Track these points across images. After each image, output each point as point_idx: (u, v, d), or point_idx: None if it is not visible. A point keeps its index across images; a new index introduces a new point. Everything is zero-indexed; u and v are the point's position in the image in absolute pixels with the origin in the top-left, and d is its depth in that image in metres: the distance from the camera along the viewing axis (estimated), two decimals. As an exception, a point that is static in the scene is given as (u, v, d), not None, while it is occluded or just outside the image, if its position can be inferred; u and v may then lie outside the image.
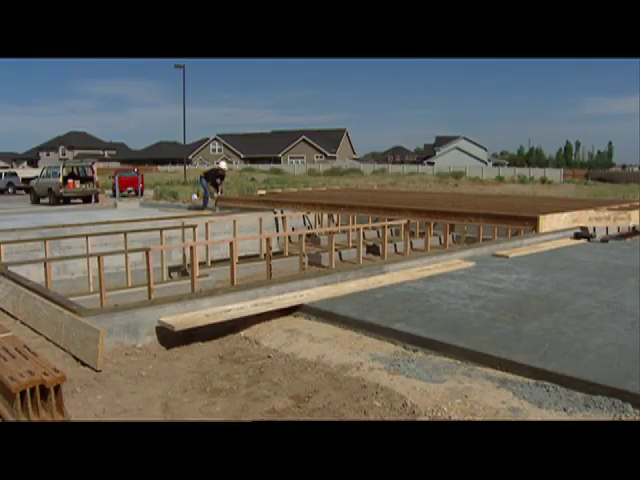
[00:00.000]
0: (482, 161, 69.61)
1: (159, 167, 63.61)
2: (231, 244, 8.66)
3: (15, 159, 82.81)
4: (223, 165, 16.29)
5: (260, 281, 7.01)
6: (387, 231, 11.09)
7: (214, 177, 15.74)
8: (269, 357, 4.35)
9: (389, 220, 11.55)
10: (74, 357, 4.36)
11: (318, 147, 73.26)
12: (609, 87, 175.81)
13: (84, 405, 3.57)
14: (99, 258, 7.48)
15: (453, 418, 3.23)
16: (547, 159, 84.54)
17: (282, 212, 13.64)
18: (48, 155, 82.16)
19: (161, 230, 10.55)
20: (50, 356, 4.29)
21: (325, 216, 14.73)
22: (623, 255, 8.05)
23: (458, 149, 72.40)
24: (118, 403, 3.62)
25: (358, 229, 10.94)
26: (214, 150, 77.15)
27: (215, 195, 15.65)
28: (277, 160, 69.79)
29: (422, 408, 3.35)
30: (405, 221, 11.37)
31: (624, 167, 72.93)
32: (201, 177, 16.12)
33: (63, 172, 23.43)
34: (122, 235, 10.27)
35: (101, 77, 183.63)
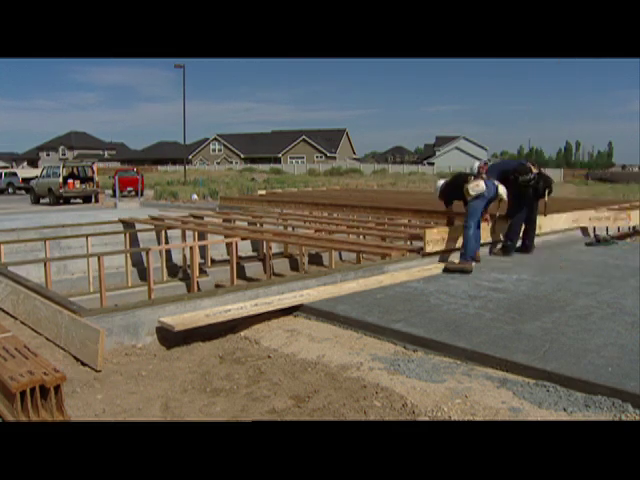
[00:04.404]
0: (482, 161, 69.45)
1: (159, 167, 63.62)
2: (231, 244, 8.66)
3: (15, 159, 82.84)
4: None
5: (260, 281, 7.01)
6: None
7: None
8: (269, 357, 4.35)
9: (389, 220, 11.54)
10: (74, 357, 4.36)
11: (318, 147, 73.26)
12: (609, 87, 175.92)
13: (84, 405, 3.57)
14: (99, 258, 7.49)
15: (453, 418, 3.23)
16: (547, 159, 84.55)
17: (282, 212, 13.64)
18: (48, 155, 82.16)
19: (160, 230, 10.55)
20: (50, 356, 4.29)
21: (325, 216, 14.71)
22: (623, 255, 8.05)
23: (458, 149, 72.44)
24: (118, 403, 3.62)
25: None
26: (214, 150, 77.18)
27: None
28: (277, 160, 69.80)
29: (422, 408, 3.35)
30: (405, 221, 11.36)
31: (624, 167, 72.89)
32: None
33: (63, 172, 23.45)
34: (122, 235, 10.28)
35: (108, 65, 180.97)
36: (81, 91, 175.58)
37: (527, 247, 8.20)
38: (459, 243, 7.58)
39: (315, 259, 11.39)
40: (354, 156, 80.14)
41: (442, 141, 77.38)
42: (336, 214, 12.10)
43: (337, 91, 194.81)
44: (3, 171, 38.66)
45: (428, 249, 7.19)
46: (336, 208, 12.62)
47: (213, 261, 10.60)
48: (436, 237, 7.33)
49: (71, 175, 24.65)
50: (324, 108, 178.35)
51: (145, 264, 8.62)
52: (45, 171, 25.02)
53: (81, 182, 24.06)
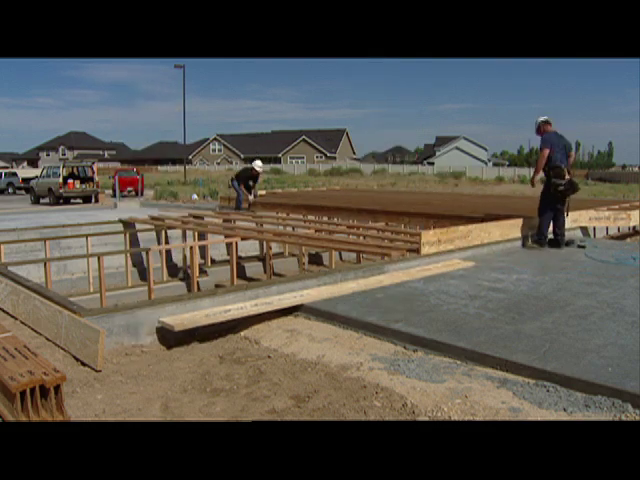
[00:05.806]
0: (482, 161, 69.67)
1: (159, 167, 63.65)
2: (231, 244, 8.66)
3: (15, 159, 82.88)
4: (258, 165, 14.04)
5: (260, 281, 7.01)
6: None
7: (246, 179, 13.93)
8: (269, 357, 4.35)
9: (389, 224, 11.54)
10: (74, 357, 4.36)
11: (318, 147, 73.31)
12: (609, 87, 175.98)
13: (84, 405, 3.56)
14: (99, 258, 7.49)
15: (453, 418, 3.22)
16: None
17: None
18: (48, 155, 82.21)
19: (160, 230, 10.55)
20: (50, 356, 4.29)
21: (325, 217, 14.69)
22: (623, 255, 8.04)
23: (458, 149, 72.48)
24: (118, 403, 3.62)
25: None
26: (214, 150, 77.22)
27: (250, 199, 13.89)
28: (277, 160, 69.83)
29: (422, 408, 3.35)
30: (403, 226, 11.37)
31: (624, 167, 72.88)
32: (232, 179, 14.39)
33: (63, 172, 23.45)
34: (122, 235, 10.28)
35: (109, 62, 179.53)
36: (81, 89, 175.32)
37: (558, 242, 8.61)
38: (455, 245, 7.82)
39: (315, 259, 11.41)
40: (354, 156, 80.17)
41: (442, 141, 77.40)
42: (336, 218, 12.09)
43: (337, 91, 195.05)
44: (3, 171, 38.67)
45: (423, 251, 7.34)
46: (336, 212, 12.52)
47: (213, 261, 10.61)
48: (432, 239, 7.44)
49: (71, 175, 24.64)
50: (326, 107, 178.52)
51: (145, 264, 8.63)
52: (45, 171, 25.03)
53: (81, 182, 24.06)
